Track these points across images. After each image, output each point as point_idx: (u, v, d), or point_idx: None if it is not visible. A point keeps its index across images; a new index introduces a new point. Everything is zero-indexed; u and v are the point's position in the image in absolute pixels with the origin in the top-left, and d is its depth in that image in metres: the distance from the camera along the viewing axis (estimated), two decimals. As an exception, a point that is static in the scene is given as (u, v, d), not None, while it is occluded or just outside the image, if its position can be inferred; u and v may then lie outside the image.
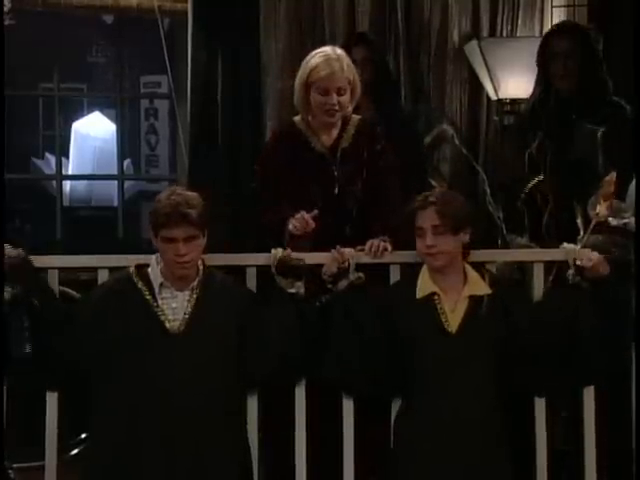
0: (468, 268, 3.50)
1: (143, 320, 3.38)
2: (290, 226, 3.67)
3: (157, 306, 3.39)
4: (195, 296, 3.41)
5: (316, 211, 3.68)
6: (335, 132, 3.89)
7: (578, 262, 3.47)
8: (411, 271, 3.59)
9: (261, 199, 3.89)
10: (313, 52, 3.88)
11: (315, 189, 3.84)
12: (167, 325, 3.37)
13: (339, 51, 3.87)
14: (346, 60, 3.82)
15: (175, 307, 3.40)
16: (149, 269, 3.45)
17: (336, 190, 3.85)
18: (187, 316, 3.39)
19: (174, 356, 3.35)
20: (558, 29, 4.42)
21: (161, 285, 3.41)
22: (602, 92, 4.25)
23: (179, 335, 3.37)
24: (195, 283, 3.42)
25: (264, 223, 3.80)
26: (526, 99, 4.56)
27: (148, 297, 3.40)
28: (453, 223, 3.41)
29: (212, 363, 3.39)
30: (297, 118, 3.93)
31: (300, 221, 3.66)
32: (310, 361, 3.52)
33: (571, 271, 3.51)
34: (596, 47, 4.40)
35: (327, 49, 3.87)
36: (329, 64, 3.77)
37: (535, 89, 4.36)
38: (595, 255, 3.49)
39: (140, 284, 3.42)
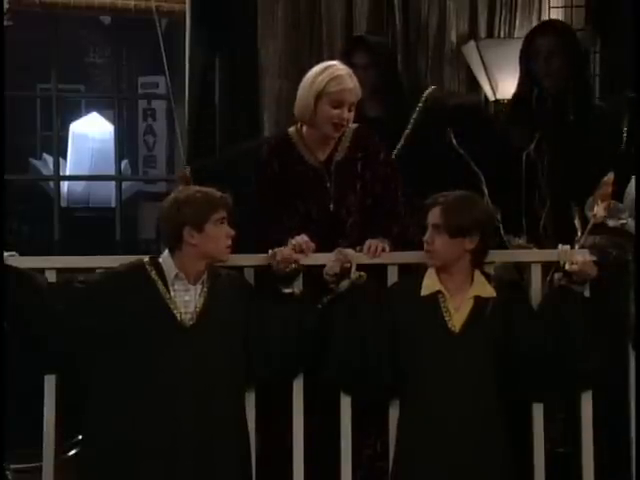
0: (476, 271, 3.52)
1: (154, 310, 3.40)
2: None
3: (170, 298, 3.41)
4: (206, 290, 3.44)
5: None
6: (330, 147, 3.86)
7: (567, 266, 3.50)
8: (415, 270, 3.62)
9: (256, 212, 3.87)
10: (323, 65, 3.84)
11: (310, 203, 3.83)
12: (179, 318, 3.40)
13: (348, 68, 3.84)
14: (356, 78, 3.81)
15: (187, 300, 3.42)
16: (160, 260, 3.46)
17: (331, 205, 3.84)
18: (198, 309, 3.41)
19: (185, 348, 3.38)
20: (541, 28, 4.43)
21: (175, 277, 3.43)
22: (586, 92, 4.28)
23: (190, 328, 3.40)
24: (205, 277, 3.45)
25: (261, 239, 3.77)
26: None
27: (161, 288, 3.42)
28: (453, 226, 3.43)
29: (220, 357, 3.42)
30: (292, 130, 3.91)
31: (302, 246, 3.64)
32: (310, 361, 3.54)
33: (558, 274, 3.53)
34: (581, 46, 4.42)
35: (338, 64, 3.84)
36: (346, 79, 3.75)
37: (517, 88, 4.39)
38: (581, 258, 3.51)
39: (153, 273, 3.44)
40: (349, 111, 3.77)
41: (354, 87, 3.76)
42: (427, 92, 4.58)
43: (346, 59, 4.16)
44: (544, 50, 4.27)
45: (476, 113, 4.63)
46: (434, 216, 3.46)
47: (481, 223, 3.48)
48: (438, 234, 3.45)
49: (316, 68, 3.82)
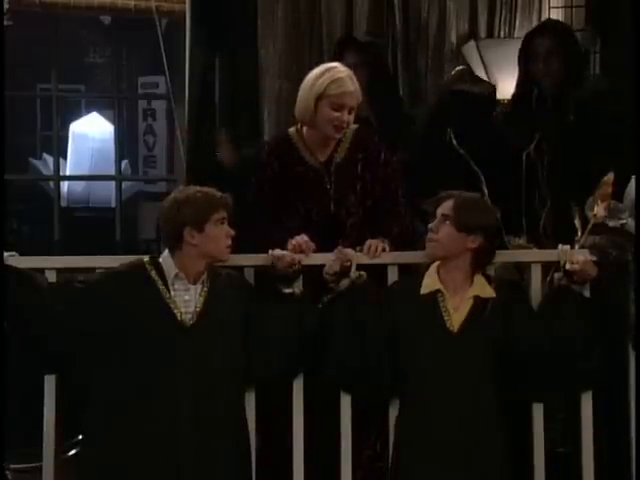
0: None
1: (154, 310, 3.40)
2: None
3: (169, 297, 3.41)
4: (206, 289, 3.44)
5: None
6: (330, 148, 3.86)
7: (567, 266, 3.51)
8: (414, 270, 3.63)
9: (256, 212, 3.87)
10: (324, 67, 3.82)
11: (310, 204, 3.83)
12: (179, 317, 3.40)
13: (349, 70, 3.84)
14: (356, 81, 3.80)
15: (188, 300, 3.42)
16: (161, 260, 3.46)
17: (332, 206, 3.84)
18: (198, 309, 3.41)
19: (185, 348, 3.38)
20: (540, 28, 4.44)
21: (175, 276, 3.43)
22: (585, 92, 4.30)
23: (191, 328, 3.40)
24: (205, 277, 3.45)
25: (261, 239, 3.76)
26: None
27: (161, 287, 3.42)
28: (461, 221, 3.46)
29: (220, 357, 3.42)
30: (292, 130, 3.90)
31: (302, 245, 3.64)
32: (310, 361, 3.54)
33: (558, 274, 3.55)
34: (580, 46, 4.43)
35: (339, 66, 3.82)
36: (347, 82, 3.73)
37: (516, 88, 4.40)
38: (581, 258, 3.52)
39: (153, 273, 3.44)
40: (349, 113, 3.76)
41: (355, 90, 3.75)
42: (453, 72, 4.60)
43: (336, 59, 4.17)
44: (543, 51, 4.28)
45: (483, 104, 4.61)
46: (445, 207, 3.50)
47: (487, 227, 3.50)
48: (445, 225, 3.48)
49: (317, 70, 3.81)
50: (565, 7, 5.32)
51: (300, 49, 5.28)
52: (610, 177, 3.65)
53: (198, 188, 3.48)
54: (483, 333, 3.46)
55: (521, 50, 4.37)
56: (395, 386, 3.52)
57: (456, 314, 3.47)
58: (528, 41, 4.36)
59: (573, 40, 4.38)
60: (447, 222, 3.48)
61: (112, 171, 7.19)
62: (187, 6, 5.30)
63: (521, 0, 5.38)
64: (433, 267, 3.54)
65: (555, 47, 4.27)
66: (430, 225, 3.52)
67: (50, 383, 3.59)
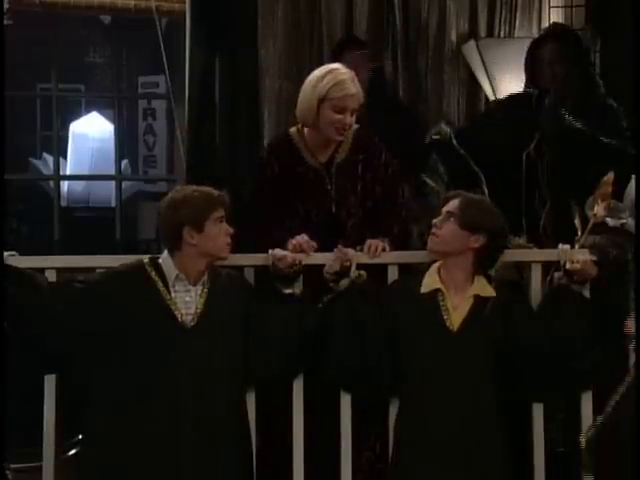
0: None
1: (155, 311, 3.40)
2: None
3: (170, 299, 3.41)
4: (206, 290, 3.44)
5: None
6: (331, 148, 3.85)
7: (568, 265, 3.51)
8: (415, 270, 3.63)
9: (255, 213, 3.86)
10: (326, 68, 3.81)
11: (310, 205, 3.83)
12: (180, 319, 3.40)
13: (351, 72, 3.83)
14: (358, 83, 3.79)
15: (188, 301, 3.42)
16: (160, 260, 3.46)
17: (332, 207, 3.83)
18: (199, 310, 3.41)
19: (186, 349, 3.38)
20: (547, 34, 4.47)
21: (176, 278, 3.43)
22: (592, 94, 4.30)
23: (191, 329, 3.40)
24: (205, 277, 3.45)
25: (261, 238, 3.76)
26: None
27: (162, 289, 3.41)
28: (466, 219, 3.46)
29: (221, 358, 3.42)
30: (293, 130, 3.90)
31: (303, 245, 3.64)
32: (310, 361, 3.55)
33: (558, 273, 3.55)
34: (586, 50, 4.44)
35: (341, 68, 3.81)
36: (349, 84, 3.72)
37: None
38: (581, 257, 3.52)
39: (154, 274, 3.43)
40: (351, 116, 3.76)
41: (357, 92, 3.74)
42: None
43: (336, 59, 4.17)
44: (548, 57, 4.31)
45: None
46: (451, 205, 3.51)
47: (491, 228, 3.50)
48: (449, 221, 3.49)
49: (319, 71, 3.80)
50: (565, 7, 5.33)
51: (300, 49, 5.28)
52: (610, 177, 3.65)
53: (195, 187, 3.48)
54: (483, 332, 3.46)
55: (527, 55, 4.40)
56: (395, 386, 3.52)
57: (456, 313, 3.47)
58: (534, 47, 4.40)
59: (578, 45, 4.39)
60: (451, 219, 3.49)
61: (112, 171, 7.18)
62: (187, 6, 5.29)
63: (521, 0, 5.38)
64: (434, 267, 3.54)
65: (560, 53, 4.30)
66: (434, 221, 3.53)
67: (50, 383, 3.59)
